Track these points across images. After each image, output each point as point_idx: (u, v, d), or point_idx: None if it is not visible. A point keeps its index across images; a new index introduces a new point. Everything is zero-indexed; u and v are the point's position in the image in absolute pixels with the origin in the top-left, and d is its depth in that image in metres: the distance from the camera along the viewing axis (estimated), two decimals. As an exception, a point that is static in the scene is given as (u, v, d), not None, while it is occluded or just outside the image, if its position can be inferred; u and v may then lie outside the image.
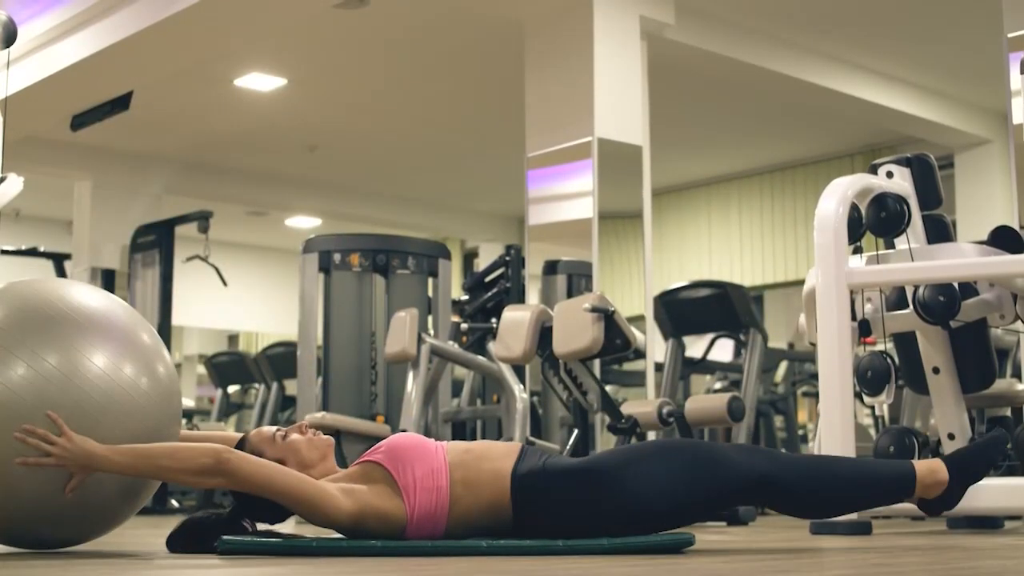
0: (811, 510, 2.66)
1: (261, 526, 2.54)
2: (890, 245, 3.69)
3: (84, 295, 2.56)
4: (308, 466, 2.43)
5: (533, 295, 6.55)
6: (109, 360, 2.44)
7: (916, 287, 3.50)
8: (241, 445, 2.50)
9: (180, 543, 2.47)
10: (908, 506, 3.09)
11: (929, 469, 2.51)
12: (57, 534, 2.55)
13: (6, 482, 2.34)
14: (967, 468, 2.54)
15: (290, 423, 5.89)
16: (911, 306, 3.53)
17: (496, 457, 2.42)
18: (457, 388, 7.28)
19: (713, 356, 7.54)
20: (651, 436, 6.23)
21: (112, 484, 2.44)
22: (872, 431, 5.83)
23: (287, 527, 3.07)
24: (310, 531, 3.07)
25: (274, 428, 2.52)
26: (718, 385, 8.02)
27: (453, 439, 2.53)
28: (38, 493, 2.36)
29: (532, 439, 4.99)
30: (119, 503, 2.54)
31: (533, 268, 6.53)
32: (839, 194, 3.47)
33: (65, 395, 2.35)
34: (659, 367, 6.83)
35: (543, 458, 2.44)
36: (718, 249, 11.13)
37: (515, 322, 4.75)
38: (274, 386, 9.47)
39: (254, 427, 3.62)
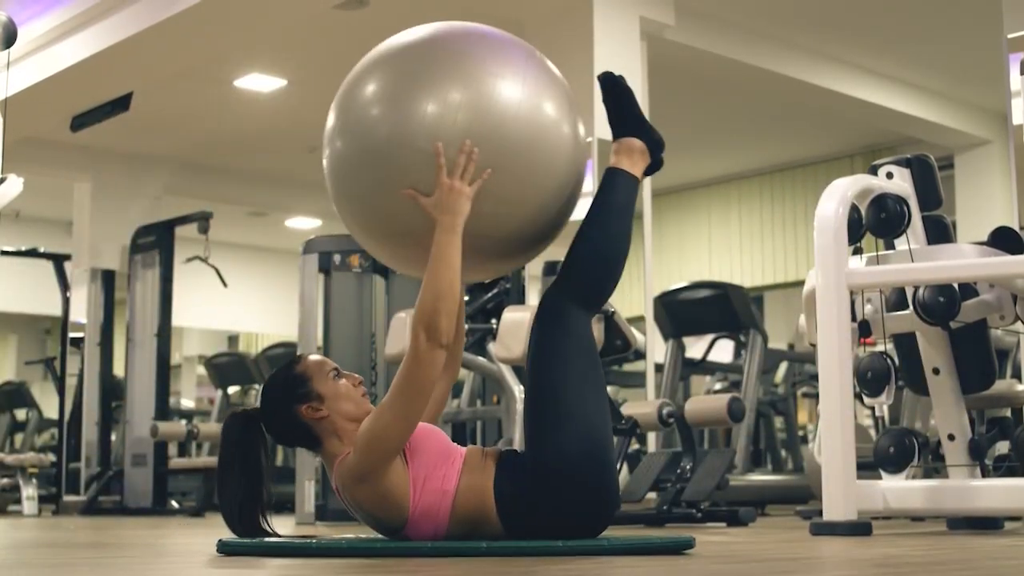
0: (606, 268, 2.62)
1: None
2: (890, 246, 3.68)
3: (478, 28, 2.52)
4: (343, 416, 2.39)
5: (533, 296, 6.54)
6: (529, 97, 2.36)
7: (916, 288, 3.50)
8: (298, 360, 2.49)
9: (239, 517, 2.41)
10: (908, 507, 3.11)
11: (622, 152, 2.61)
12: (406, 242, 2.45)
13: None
14: (626, 113, 2.65)
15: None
16: (911, 307, 3.53)
17: (488, 473, 2.40)
18: (457, 389, 7.27)
19: (713, 357, 7.54)
20: (651, 437, 6.24)
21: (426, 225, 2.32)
22: (872, 432, 5.83)
23: (287, 527, 3.07)
24: (310, 532, 3.07)
25: (333, 364, 2.47)
26: (718, 386, 8.02)
27: (453, 440, 2.50)
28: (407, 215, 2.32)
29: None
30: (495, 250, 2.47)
31: (533, 268, 6.52)
32: (839, 195, 3.47)
33: (481, 127, 2.29)
34: (659, 368, 6.83)
35: (518, 468, 2.40)
36: (718, 250, 11.13)
37: (515, 323, 4.75)
38: (274, 387, 9.45)
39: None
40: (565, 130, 2.43)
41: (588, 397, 2.41)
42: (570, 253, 2.54)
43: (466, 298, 6.50)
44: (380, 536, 2.44)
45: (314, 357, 2.48)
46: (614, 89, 2.67)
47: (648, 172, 2.66)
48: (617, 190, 2.58)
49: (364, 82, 2.41)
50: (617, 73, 2.70)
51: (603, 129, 6.19)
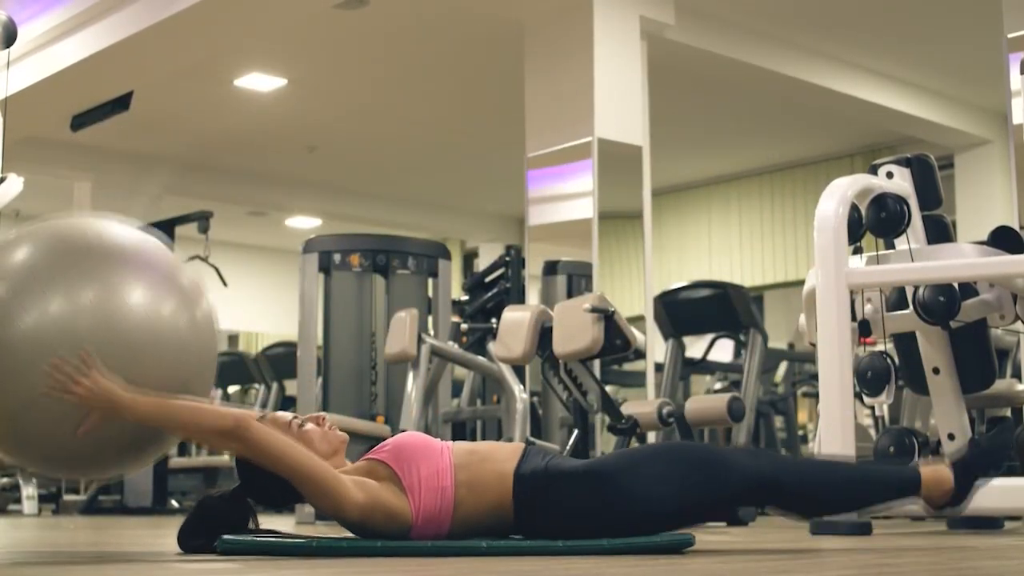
0: (813, 510, 2.68)
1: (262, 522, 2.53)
2: (890, 245, 3.68)
3: (120, 231, 2.48)
4: (323, 457, 2.40)
5: (533, 295, 6.55)
6: (148, 297, 2.36)
7: (916, 287, 3.50)
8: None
9: (192, 535, 2.43)
10: (908, 506, 3.09)
11: (935, 479, 2.49)
12: (68, 467, 2.49)
13: (30, 412, 2.28)
14: (972, 473, 2.54)
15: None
16: (911, 306, 3.53)
17: (499, 459, 2.42)
18: (457, 388, 7.28)
19: (713, 356, 7.53)
20: (651, 436, 6.24)
21: (125, 433, 2.35)
22: (872, 431, 5.81)
23: (287, 527, 3.07)
24: (310, 532, 3.07)
25: (291, 415, 2.48)
26: (718, 385, 8.01)
27: (453, 439, 2.51)
28: (56, 428, 2.29)
29: (532, 439, 4.99)
30: (128, 451, 2.45)
31: (533, 268, 6.53)
32: (839, 194, 3.47)
33: (101, 331, 2.28)
34: (659, 367, 6.83)
35: (546, 459, 2.43)
36: (718, 249, 11.13)
37: (515, 322, 4.74)
38: (274, 386, 9.47)
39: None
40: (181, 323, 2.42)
41: (653, 482, 2.39)
42: (806, 462, 2.57)
43: (465, 297, 6.54)
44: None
45: (271, 415, 2.48)
46: (1005, 445, 2.63)
47: (929, 507, 2.55)
48: (896, 477, 2.53)
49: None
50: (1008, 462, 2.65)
51: (603, 129, 6.21)
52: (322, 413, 2.53)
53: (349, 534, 2.43)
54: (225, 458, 7.35)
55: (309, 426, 2.45)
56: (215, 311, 2.55)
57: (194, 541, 2.42)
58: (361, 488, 2.33)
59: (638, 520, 2.35)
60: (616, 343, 4.52)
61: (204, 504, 2.48)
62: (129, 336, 2.32)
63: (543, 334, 4.69)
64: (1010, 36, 4.39)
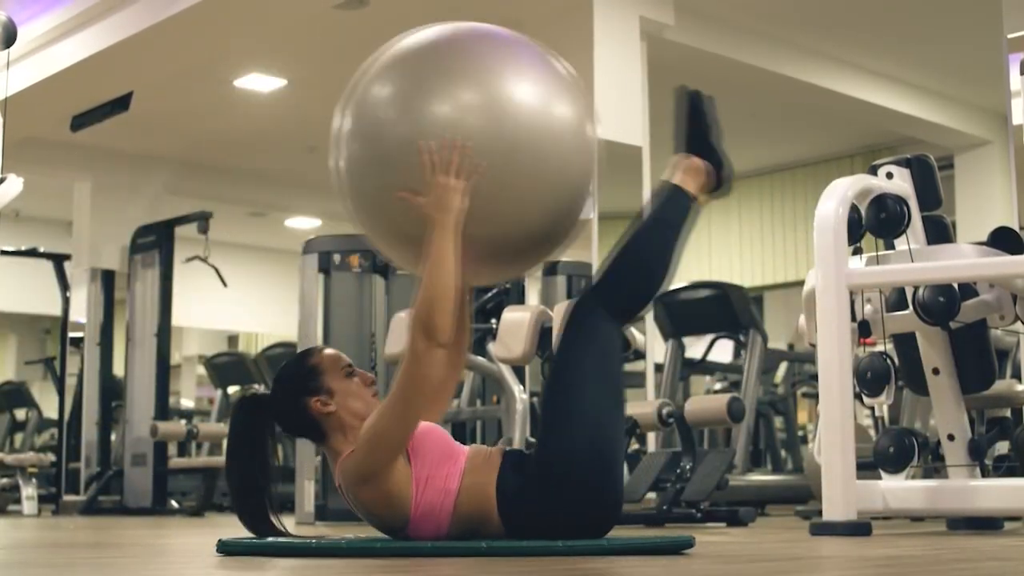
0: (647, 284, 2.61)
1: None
2: (890, 246, 3.68)
3: (487, 29, 2.46)
4: (351, 414, 2.39)
5: (533, 296, 6.54)
6: (539, 95, 2.34)
7: (916, 288, 3.50)
8: (314, 352, 2.48)
9: (249, 514, 2.42)
10: (908, 507, 3.11)
11: (684, 169, 2.56)
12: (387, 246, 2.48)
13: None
14: (698, 133, 2.59)
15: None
16: (911, 307, 3.53)
17: (485, 472, 2.39)
18: (457, 389, 7.27)
19: (713, 357, 7.54)
20: (651, 437, 6.24)
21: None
22: (872, 432, 5.82)
23: (288, 527, 3.06)
24: (310, 532, 3.07)
25: (347, 360, 2.46)
26: (718, 386, 8.02)
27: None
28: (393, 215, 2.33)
29: (532, 439, 4.99)
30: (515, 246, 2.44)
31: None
32: (839, 195, 3.47)
33: (489, 128, 2.27)
34: (659, 368, 6.83)
35: (520, 472, 2.39)
36: (718, 250, 11.13)
37: (515, 323, 4.75)
38: (274, 387, 9.45)
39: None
40: (576, 131, 2.40)
41: (601, 403, 2.40)
42: (609, 260, 2.53)
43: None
44: (380, 536, 2.44)
45: (329, 351, 2.48)
46: (694, 108, 2.62)
47: (712, 195, 2.60)
48: (666, 205, 2.57)
49: (376, 84, 2.39)
50: (707, 94, 2.65)
51: (603, 130, 6.19)
52: (372, 376, 2.51)
53: (349, 534, 2.43)
54: (225, 459, 7.37)
55: (356, 380, 2.44)
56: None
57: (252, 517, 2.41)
58: (393, 458, 2.30)
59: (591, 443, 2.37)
60: (616, 343, 4.51)
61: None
62: (516, 137, 2.29)
63: (543, 334, 4.69)
64: (1010, 36, 4.39)
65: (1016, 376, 4.66)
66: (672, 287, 7.31)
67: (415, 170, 2.27)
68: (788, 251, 10.56)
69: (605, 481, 2.38)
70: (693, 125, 2.63)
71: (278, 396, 2.44)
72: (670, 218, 2.56)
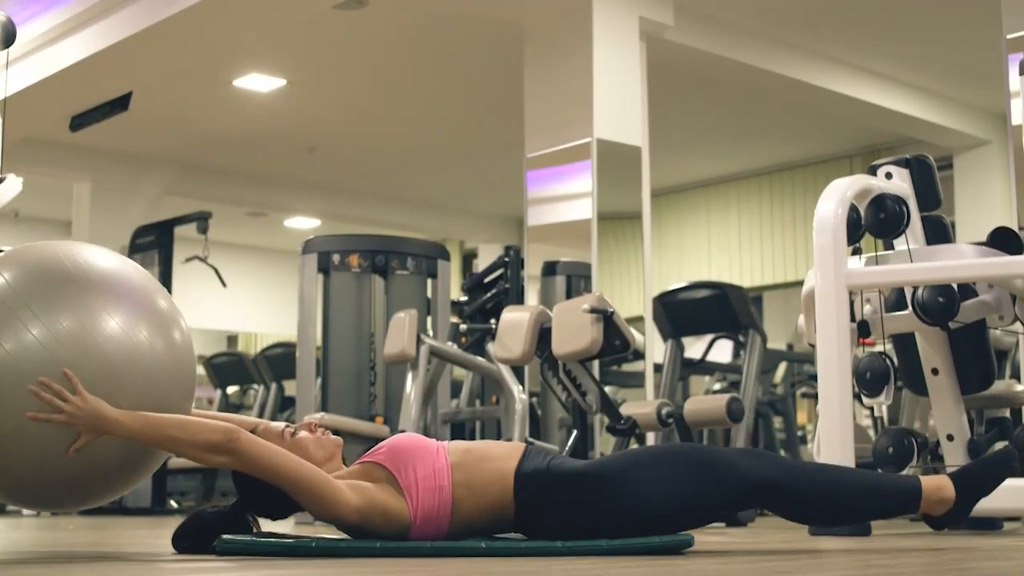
0: (813, 517, 2.63)
1: (264, 524, 2.54)
2: (889, 246, 3.69)
3: (98, 256, 2.51)
4: (316, 463, 2.41)
5: (532, 296, 6.55)
6: (125, 322, 2.39)
7: (915, 288, 3.50)
8: None
9: (186, 540, 2.45)
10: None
11: (936, 487, 2.47)
12: (58, 496, 2.50)
13: (15, 440, 2.30)
14: (974, 486, 2.50)
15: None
16: (910, 307, 3.53)
17: (498, 457, 2.42)
18: (456, 389, 7.28)
19: (712, 357, 7.54)
20: (650, 437, 6.24)
21: (117, 450, 2.39)
22: (871, 432, 5.83)
23: (287, 527, 3.07)
24: (310, 532, 3.07)
25: (283, 424, 2.50)
26: (717, 386, 8.02)
27: (452, 440, 2.52)
28: (44, 452, 2.32)
29: (531, 440, 4.99)
30: (122, 470, 2.48)
31: (532, 269, 6.53)
32: (838, 195, 3.47)
33: (80, 356, 2.32)
34: (658, 368, 6.83)
35: (547, 459, 2.43)
36: (717, 250, 11.13)
37: (514, 323, 4.75)
38: (273, 387, 9.46)
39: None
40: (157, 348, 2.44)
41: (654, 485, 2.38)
42: (803, 466, 2.51)
43: (464, 297, 6.53)
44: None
45: (262, 426, 2.49)
46: (1004, 469, 2.55)
47: (928, 520, 2.51)
48: (899, 488, 2.50)
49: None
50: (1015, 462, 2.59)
51: (602, 130, 6.20)
52: (314, 418, 2.54)
53: (348, 535, 2.43)
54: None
55: (302, 434, 2.46)
56: (189, 335, 2.57)
57: (186, 544, 2.43)
58: (356, 491, 2.33)
59: (639, 521, 2.35)
60: (615, 344, 4.52)
61: (200, 517, 2.48)
62: (107, 360, 2.34)
63: (542, 335, 4.69)
64: (1009, 37, 4.39)
65: (1015, 376, 4.65)
66: (671, 287, 7.31)
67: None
68: (787, 251, 10.56)
69: (625, 489, 2.38)
70: (988, 481, 2.54)
71: (248, 496, 2.46)
72: (886, 499, 2.49)
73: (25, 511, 7.22)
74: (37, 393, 2.26)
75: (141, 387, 2.38)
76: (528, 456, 2.43)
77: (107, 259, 2.52)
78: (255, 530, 2.49)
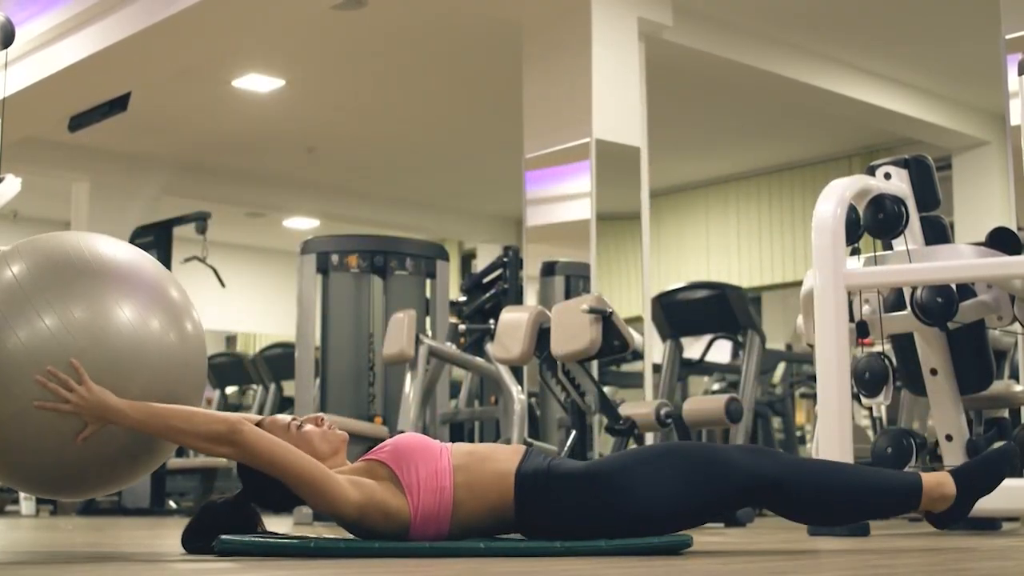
0: (814, 516, 2.63)
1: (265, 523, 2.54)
2: (888, 246, 3.69)
3: (111, 247, 2.53)
4: (319, 459, 2.41)
5: (531, 296, 6.55)
6: (137, 312, 2.41)
7: (914, 288, 3.50)
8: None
9: (197, 537, 2.44)
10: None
11: (936, 482, 2.46)
12: (66, 484, 2.51)
13: (23, 427, 2.32)
14: (975, 483, 2.49)
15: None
16: (909, 307, 3.53)
17: (500, 459, 2.43)
18: (455, 389, 7.28)
19: (711, 357, 7.54)
20: (649, 437, 6.24)
21: (124, 440, 2.40)
22: (870, 432, 5.83)
23: (287, 527, 3.07)
24: (309, 532, 3.07)
25: (290, 417, 2.50)
26: (716, 386, 8.02)
27: (451, 440, 2.52)
28: (51, 441, 2.33)
29: (530, 440, 4.99)
30: (128, 460, 2.48)
31: (531, 269, 6.53)
32: (837, 195, 3.47)
33: (91, 346, 2.33)
34: (657, 368, 6.83)
35: (547, 460, 2.44)
36: (716, 250, 11.14)
37: (513, 323, 4.75)
38: (272, 387, 9.46)
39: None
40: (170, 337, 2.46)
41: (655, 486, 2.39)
42: (801, 461, 2.50)
43: (463, 298, 6.54)
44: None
45: (268, 419, 2.50)
46: (1004, 466, 2.53)
47: (930, 517, 2.51)
48: (899, 484, 2.48)
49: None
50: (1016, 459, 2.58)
51: (601, 130, 6.20)
52: (321, 413, 2.54)
53: (348, 535, 2.43)
54: (223, 459, 7.38)
55: (308, 427, 2.46)
56: (201, 326, 2.59)
57: (197, 543, 2.43)
58: (357, 487, 2.33)
59: (639, 521, 2.35)
60: (614, 344, 4.52)
61: (207, 510, 2.49)
62: (118, 351, 2.36)
63: (541, 335, 4.69)
64: (1008, 37, 4.39)
65: (1014, 377, 4.66)
66: (670, 287, 7.32)
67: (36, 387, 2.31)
68: (786, 251, 10.57)
69: (625, 492, 2.38)
70: (989, 477, 2.52)
71: (252, 487, 2.45)
72: (887, 496, 2.47)
73: (24, 511, 7.22)
74: (43, 383, 2.29)
75: (150, 377, 2.39)
76: (529, 457, 2.43)
77: (123, 250, 2.54)
78: (261, 528, 2.49)
